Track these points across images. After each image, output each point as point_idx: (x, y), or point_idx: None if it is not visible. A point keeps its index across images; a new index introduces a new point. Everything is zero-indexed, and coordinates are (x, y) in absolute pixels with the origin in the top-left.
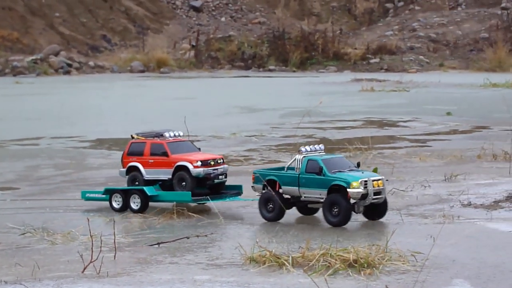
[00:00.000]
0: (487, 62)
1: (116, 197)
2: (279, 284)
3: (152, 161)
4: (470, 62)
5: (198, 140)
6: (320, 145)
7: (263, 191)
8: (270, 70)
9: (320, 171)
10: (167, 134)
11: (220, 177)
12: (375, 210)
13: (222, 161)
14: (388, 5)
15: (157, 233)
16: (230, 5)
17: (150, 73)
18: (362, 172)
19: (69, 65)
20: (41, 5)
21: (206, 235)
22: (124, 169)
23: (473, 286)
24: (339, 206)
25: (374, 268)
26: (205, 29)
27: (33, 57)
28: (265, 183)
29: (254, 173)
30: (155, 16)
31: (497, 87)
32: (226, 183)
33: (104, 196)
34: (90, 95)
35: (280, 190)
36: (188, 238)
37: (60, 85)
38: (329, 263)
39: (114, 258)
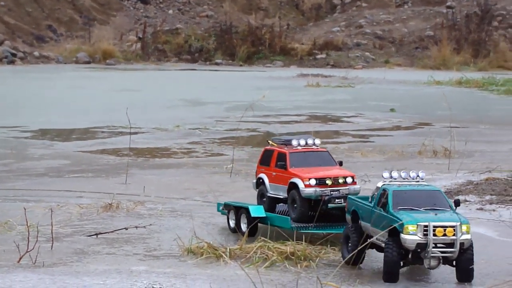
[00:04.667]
0: (431, 60)
1: (232, 214)
2: (215, 275)
3: (275, 174)
4: (415, 60)
5: (142, 132)
6: (420, 172)
7: (349, 225)
8: (217, 64)
9: (384, 206)
10: (294, 142)
11: (337, 200)
12: (455, 267)
13: (352, 180)
14: (336, 1)
15: (96, 224)
16: None
17: (96, 65)
18: (436, 214)
19: (14, 55)
20: None
21: (145, 227)
22: (255, 181)
23: (407, 280)
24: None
25: (310, 261)
26: (152, 22)
27: None
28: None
29: (348, 199)
30: (102, 7)
31: (441, 85)
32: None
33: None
34: (34, 85)
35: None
36: (126, 229)
37: (4, 75)
38: (266, 255)
39: (51, 248)
